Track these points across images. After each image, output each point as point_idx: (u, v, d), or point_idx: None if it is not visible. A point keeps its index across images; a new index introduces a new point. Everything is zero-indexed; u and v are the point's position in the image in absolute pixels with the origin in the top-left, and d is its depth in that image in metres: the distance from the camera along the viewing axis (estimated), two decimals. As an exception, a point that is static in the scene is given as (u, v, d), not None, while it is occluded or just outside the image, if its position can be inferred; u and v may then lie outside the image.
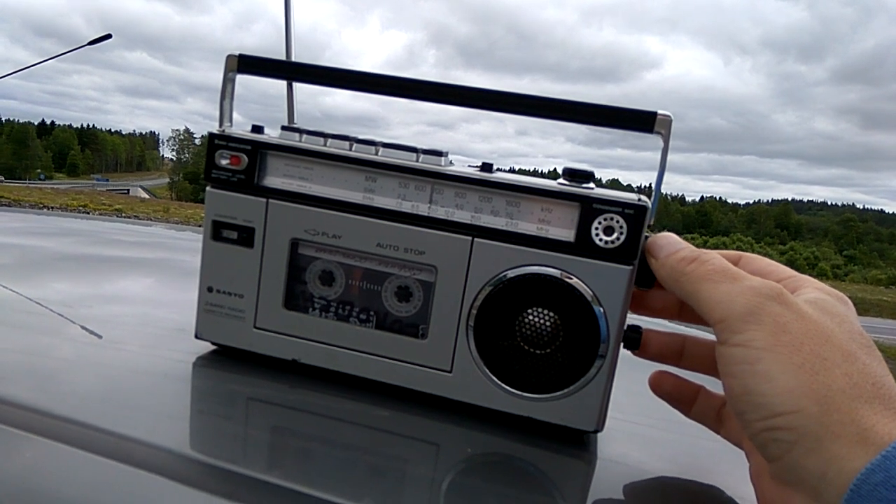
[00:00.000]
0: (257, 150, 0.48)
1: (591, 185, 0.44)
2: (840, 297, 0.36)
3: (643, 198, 0.43)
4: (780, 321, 0.32)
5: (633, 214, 0.42)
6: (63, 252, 0.97)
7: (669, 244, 0.40)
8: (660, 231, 0.44)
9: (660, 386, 0.45)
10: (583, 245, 0.43)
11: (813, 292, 0.36)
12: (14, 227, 1.16)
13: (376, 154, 0.47)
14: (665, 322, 0.50)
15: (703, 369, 0.43)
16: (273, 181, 0.48)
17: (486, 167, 0.46)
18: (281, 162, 0.48)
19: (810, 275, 0.41)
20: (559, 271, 0.44)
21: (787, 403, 0.30)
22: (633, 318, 0.45)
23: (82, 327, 0.56)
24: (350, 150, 0.47)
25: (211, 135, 0.49)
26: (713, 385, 0.40)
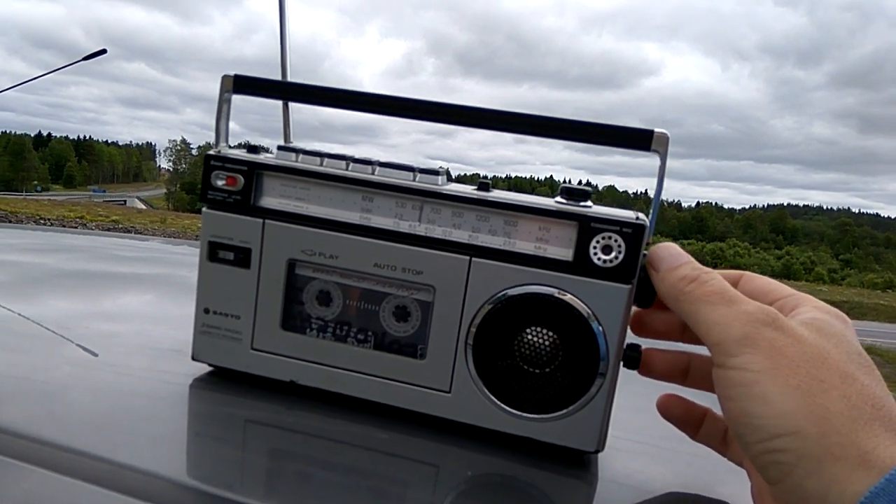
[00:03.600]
0: (253, 171, 0.48)
1: (589, 203, 0.44)
2: (838, 315, 0.36)
3: (641, 216, 0.43)
4: (775, 345, 0.32)
5: (632, 233, 0.42)
6: (61, 269, 0.96)
7: (671, 257, 0.40)
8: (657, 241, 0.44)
9: (668, 409, 0.45)
10: (581, 264, 0.43)
11: (811, 312, 0.36)
12: (12, 244, 1.15)
13: (373, 173, 0.46)
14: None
15: (708, 387, 0.42)
16: (269, 202, 0.48)
17: (484, 186, 0.46)
18: (277, 182, 0.48)
19: (806, 279, 0.41)
20: (557, 290, 0.43)
21: (785, 425, 0.30)
22: (634, 340, 0.45)
23: (79, 346, 0.56)
24: (347, 169, 0.47)
25: (207, 156, 0.48)
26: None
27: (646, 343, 0.45)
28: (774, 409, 0.31)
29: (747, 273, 0.41)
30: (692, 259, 0.40)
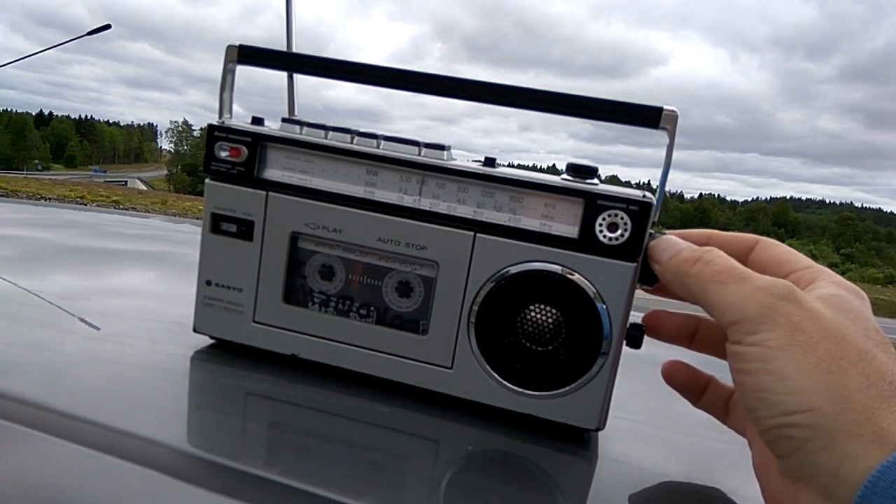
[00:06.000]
0: (257, 143, 0.47)
1: (595, 180, 0.44)
2: (856, 291, 0.35)
3: (648, 194, 0.43)
4: (793, 320, 0.32)
5: (638, 211, 0.42)
6: (64, 244, 0.96)
7: (671, 246, 0.39)
8: (661, 227, 0.43)
9: (673, 376, 0.44)
10: (586, 241, 0.43)
11: (828, 287, 0.35)
12: (15, 219, 1.15)
13: (378, 147, 0.46)
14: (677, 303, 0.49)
15: (713, 353, 0.42)
16: (273, 174, 0.48)
17: (489, 162, 0.45)
18: (281, 154, 0.47)
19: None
20: (562, 268, 0.43)
21: (802, 402, 0.30)
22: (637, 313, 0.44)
23: (81, 320, 0.56)
24: (351, 143, 0.46)
25: (210, 126, 0.48)
26: (723, 369, 0.39)
27: (654, 301, 0.44)
28: (792, 386, 0.30)
29: (763, 238, 0.40)
30: (690, 244, 0.39)
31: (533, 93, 0.45)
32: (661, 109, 0.43)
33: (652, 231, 0.42)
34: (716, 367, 0.43)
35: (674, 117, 0.43)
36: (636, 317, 0.44)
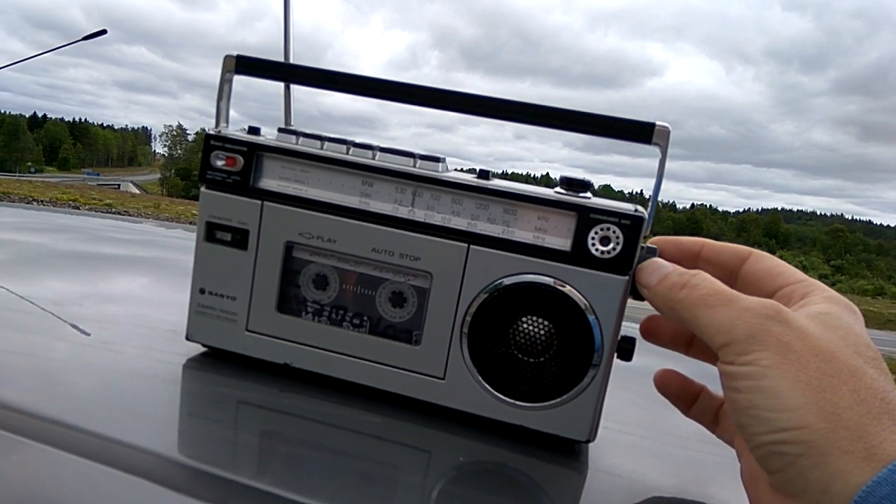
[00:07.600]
0: (253, 152, 0.47)
1: (588, 194, 0.44)
2: (848, 306, 0.36)
3: (640, 208, 0.43)
4: (783, 340, 0.32)
5: (630, 225, 0.42)
6: (57, 249, 0.96)
7: (657, 270, 0.40)
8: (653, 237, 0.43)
9: (665, 385, 0.44)
10: (579, 254, 0.43)
11: (818, 304, 0.35)
12: (8, 223, 1.14)
13: (373, 158, 0.46)
14: None
15: (711, 359, 0.42)
16: (269, 183, 0.48)
17: (483, 174, 0.46)
18: (277, 164, 0.48)
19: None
20: (554, 280, 0.43)
21: (794, 420, 0.30)
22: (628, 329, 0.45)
23: (72, 326, 0.55)
24: (347, 153, 0.47)
25: (207, 135, 0.48)
26: (716, 380, 0.39)
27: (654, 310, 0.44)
28: (784, 404, 0.31)
29: (756, 251, 0.40)
30: (677, 266, 0.39)
31: (527, 107, 0.46)
32: (653, 125, 0.43)
33: (644, 245, 0.43)
34: (709, 378, 0.43)
35: (666, 133, 0.43)
36: (627, 329, 0.44)
